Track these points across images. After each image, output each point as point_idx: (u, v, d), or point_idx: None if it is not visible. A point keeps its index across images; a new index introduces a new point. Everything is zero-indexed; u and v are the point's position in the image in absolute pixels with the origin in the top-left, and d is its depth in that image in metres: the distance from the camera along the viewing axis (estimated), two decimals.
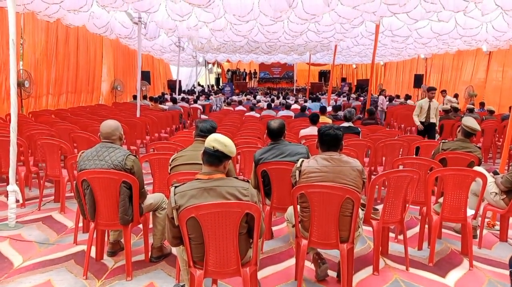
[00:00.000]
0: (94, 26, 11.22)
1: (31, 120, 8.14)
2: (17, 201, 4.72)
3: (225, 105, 15.85)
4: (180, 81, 18.67)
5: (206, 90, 24.70)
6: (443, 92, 15.06)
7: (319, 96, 18.87)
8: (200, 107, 13.84)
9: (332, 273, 3.47)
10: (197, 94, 19.03)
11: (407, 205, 3.75)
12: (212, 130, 3.57)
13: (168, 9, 9.25)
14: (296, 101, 15.97)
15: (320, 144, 3.21)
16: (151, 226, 3.83)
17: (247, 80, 30.41)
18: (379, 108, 13.68)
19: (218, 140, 2.57)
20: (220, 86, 28.04)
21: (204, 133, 3.53)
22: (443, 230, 4.49)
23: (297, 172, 3.15)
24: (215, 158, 2.56)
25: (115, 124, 3.50)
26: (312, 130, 6.20)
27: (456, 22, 10.93)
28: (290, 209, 3.47)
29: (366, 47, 16.34)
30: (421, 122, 8.21)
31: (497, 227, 4.57)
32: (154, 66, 21.43)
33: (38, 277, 3.42)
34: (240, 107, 13.38)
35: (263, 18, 10.01)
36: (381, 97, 14.22)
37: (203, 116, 12.57)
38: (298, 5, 8.85)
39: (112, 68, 16.25)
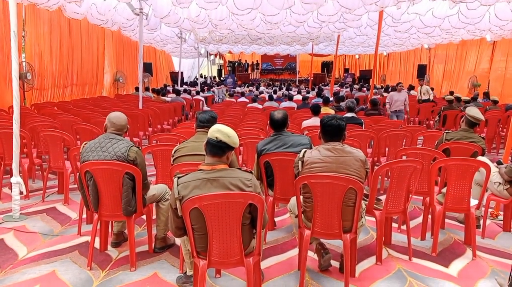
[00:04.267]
0: (95, 18, 11.18)
1: (33, 112, 8.15)
2: (21, 192, 4.74)
3: (227, 96, 15.82)
4: (182, 72, 18.63)
5: (208, 81, 24.65)
6: (421, 81, 14.04)
7: (322, 87, 18.79)
8: (202, 99, 13.82)
9: (335, 263, 3.47)
10: (199, 86, 18.98)
11: (410, 195, 3.74)
12: (212, 120, 3.56)
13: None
14: (299, 92, 15.92)
15: (323, 134, 3.20)
16: (154, 217, 3.84)
17: (249, 71, 30.30)
18: (390, 110, 10.13)
19: (221, 131, 2.56)
20: (222, 78, 27.98)
21: (203, 123, 3.54)
22: (446, 220, 4.49)
23: (300, 163, 3.14)
24: (218, 149, 2.55)
25: (126, 117, 3.52)
26: (315, 121, 6.18)
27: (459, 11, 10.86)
28: (293, 200, 3.47)
29: (369, 37, 16.21)
30: None
31: (501, 217, 4.57)
32: (156, 57, 21.37)
33: (42, 268, 3.44)
34: (243, 99, 13.35)
35: (265, 7, 9.94)
36: (392, 93, 10.32)
37: (205, 108, 12.56)
38: None
39: (114, 60, 16.22)
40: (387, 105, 10.09)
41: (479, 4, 9.16)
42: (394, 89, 11.35)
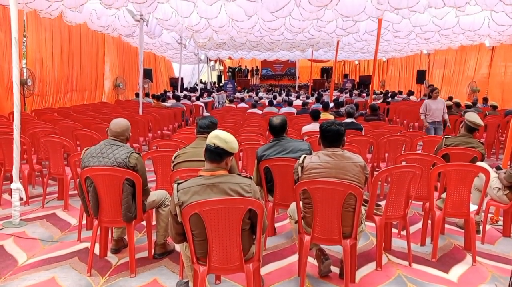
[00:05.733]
0: (95, 24, 11.24)
1: (34, 118, 8.16)
2: (21, 199, 4.74)
3: (227, 102, 15.84)
4: (182, 78, 18.67)
5: (208, 87, 24.70)
6: (431, 86, 14.40)
7: (322, 93, 18.83)
8: (202, 104, 13.85)
9: (335, 269, 3.47)
10: (199, 91, 19.02)
11: (410, 201, 3.75)
12: (212, 125, 3.57)
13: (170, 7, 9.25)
14: (297, 97, 15.95)
15: (322, 139, 3.21)
16: (154, 223, 3.84)
17: (249, 77, 30.38)
18: (426, 121, 8.20)
19: (218, 137, 2.57)
20: (222, 83, 28.05)
21: (203, 129, 3.55)
22: (446, 226, 4.49)
23: (300, 168, 3.15)
24: (216, 155, 2.56)
25: (127, 124, 3.52)
26: (315, 126, 6.19)
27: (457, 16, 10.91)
28: (293, 205, 3.48)
29: (368, 43, 16.28)
30: None
31: (500, 222, 4.56)
32: (156, 63, 21.42)
33: (42, 274, 3.44)
34: (243, 104, 13.37)
35: (265, 14, 9.99)
36: (428, 101, 8.29)
37: (205, 114, 12.58)
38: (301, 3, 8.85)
39: (115, 66, 16.27)
40: (422, 117, 8.30)
41: (480, 9, 9.21)
42: (420, 95, 9.51)
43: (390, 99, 15.04)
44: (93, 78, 14.48)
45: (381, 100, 14.47)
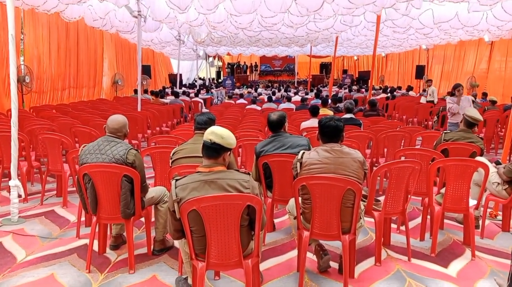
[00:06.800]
0: (92, 20, 11.19)
1: (32, 115, 8.15)
2: (20, 195, 4.73)
3: (226, 98, 15.83)
4: (181, 75, 18.64)
5: (207, 83, 24.66)
6: (429, 81, 14.23)
7: (321, 89, 18.81)
8: (201, 100, 13.83)
9: (334, 264, 3.47)
10: (198, 88, 18.99)
11: (409, 196, 3.74)
12: (209, 121, 3.56)
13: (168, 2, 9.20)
14: (296, 93, 15.93)
15: (321, 135, 3.20)
16: (153, 219, 3.84)
17: (248, 73, 30.31)
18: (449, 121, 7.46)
19: (215, 133, 2.56)
20: (220, 80, 28.01)
21: (201, 125, 3.54)
22: (445, 221, 4.49)
23: (298, 164, 3.14)
24: (213, 151, 2.55)
25: (124, 121, 3.50)
26: (313, 122, 6.18)
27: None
28: (292, 201, 3.47)
29: (367, 38, 16.24)
30: None
31: (499, 217, 4.57)
32: (155, 60, 21.40)
33: (41, 271, 3.44)
34: (241, 101, 13.36)
35: (263, 10, 9.96)
36: (454, 98, 7.22)
37: (204, 110, 12.56)
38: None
39: (114, 62, 16.23)
40: (449, 115, 7.42)
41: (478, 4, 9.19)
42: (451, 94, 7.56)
43: (389, 94, 15.03)
44: (91, 75, 14.45)
45: (381, 95, 14.43)
